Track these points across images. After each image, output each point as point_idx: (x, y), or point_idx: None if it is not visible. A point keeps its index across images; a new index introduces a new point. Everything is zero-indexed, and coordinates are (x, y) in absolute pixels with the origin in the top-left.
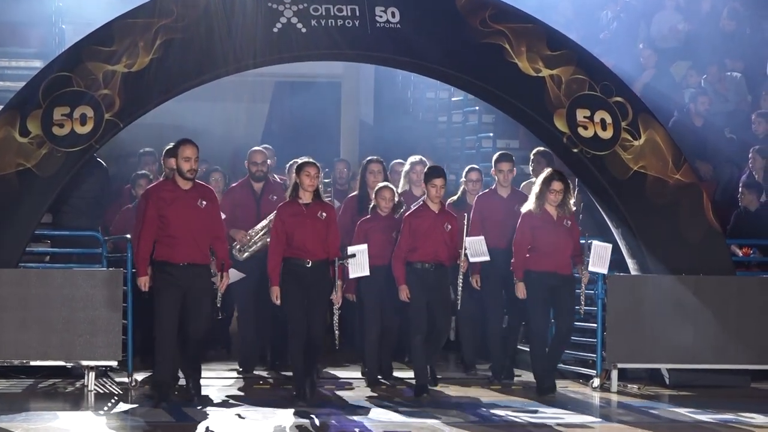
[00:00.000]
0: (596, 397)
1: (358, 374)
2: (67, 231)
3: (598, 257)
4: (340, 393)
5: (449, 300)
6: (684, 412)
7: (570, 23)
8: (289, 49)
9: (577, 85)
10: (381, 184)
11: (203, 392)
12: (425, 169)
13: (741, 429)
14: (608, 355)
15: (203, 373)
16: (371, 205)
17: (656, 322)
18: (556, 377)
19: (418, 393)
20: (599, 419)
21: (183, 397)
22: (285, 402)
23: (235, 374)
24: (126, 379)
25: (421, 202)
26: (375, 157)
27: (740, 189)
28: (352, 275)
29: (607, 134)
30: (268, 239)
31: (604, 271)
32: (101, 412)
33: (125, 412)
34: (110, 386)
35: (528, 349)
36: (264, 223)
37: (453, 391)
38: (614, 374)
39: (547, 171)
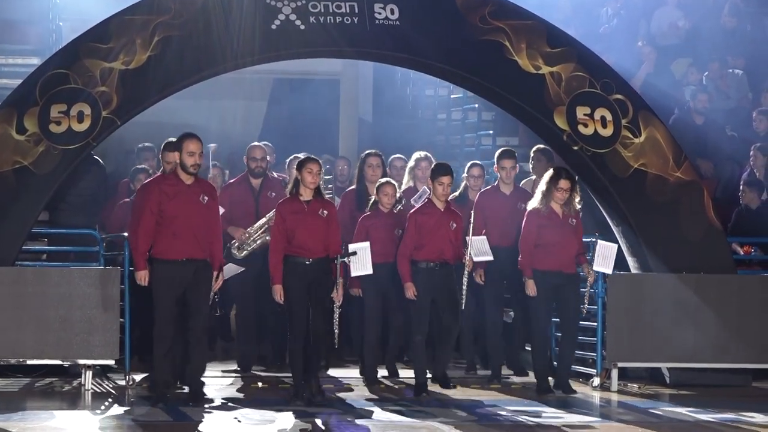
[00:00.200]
0: (596, 397)
1: (357, 374)
2: (64, 229)
3: (603, 257)
4: (339, 393)
5: (456, 298)
6: (685, 412)
7: (570, 20)
8: (287, 46)
9: (578, 82)
10: (382, 180)
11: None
12: (432, 166)
13: (742, 428)
14: (608, 354)
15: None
16: (372, 201)
17: (657, 321)
18: (551, 376)
19: (417, 393)
20: (599, 418)
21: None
22: (283, 402)
23: (233, 374)
24: (123, 380)
25: (427, 199)
26: (373, 151)
27: (741, 187)
28: (354, 273)
29: (607, 132)
30: (267, 237)
31: (609, 271)
32: (98, 412)
33: (122, 411)
34: (107, 385)
35: (529, 349)
36: (263, 220)
37: (452, 390)
38: (614, 373)
39: (554, 168)
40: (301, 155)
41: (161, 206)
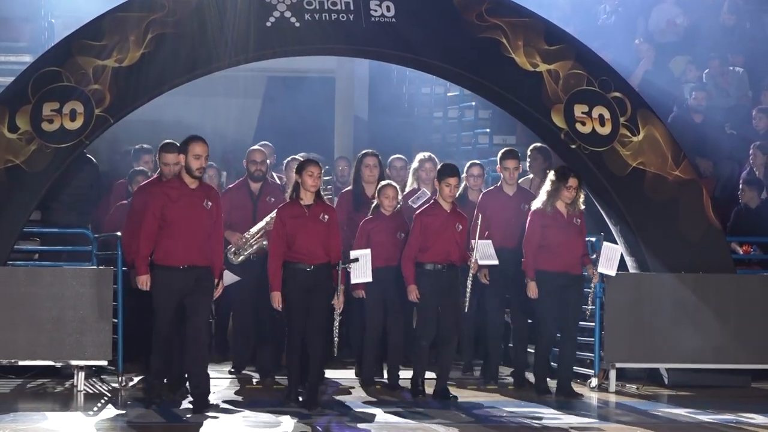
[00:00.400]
0: (594, 397)
1: (353, 375)
2: (57, 228)
3: (607, 259)
4: (336, 396)
5: (459, 305)
6: (683, 413)
7: (568, 18)
8: (282, 43)
9: (575, 80)
10: (384, 182)
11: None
12: (438, 167)
13: (741, 429)
14: (606, 355)
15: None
16: (374, 204)
17: (655, 321)
18: (552, 377)
19: (415, 394)
20: (597, 419)
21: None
22: (278, 404)
23: (228, 375)
24: (116, 381)
25: (430, 200)
26: (370, 151)
27: (741, 186)
28: (354, 281)
29: (605, 130)
30: (265, 242)
31: (613, 273)
32: (91, 413)
33: (115, 413)
34: (100, 387)
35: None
36: (260, 225)
37: (451, 391)
38: (612, 374)
39: (560, 167)
40: (299, 156)
41: (164, 210)
